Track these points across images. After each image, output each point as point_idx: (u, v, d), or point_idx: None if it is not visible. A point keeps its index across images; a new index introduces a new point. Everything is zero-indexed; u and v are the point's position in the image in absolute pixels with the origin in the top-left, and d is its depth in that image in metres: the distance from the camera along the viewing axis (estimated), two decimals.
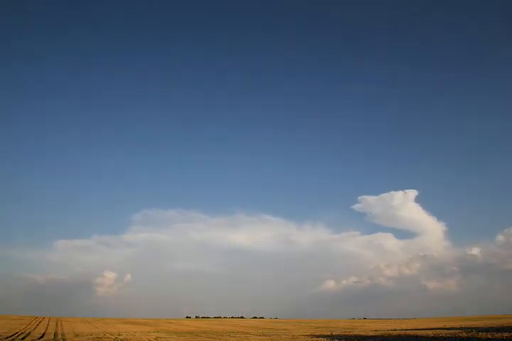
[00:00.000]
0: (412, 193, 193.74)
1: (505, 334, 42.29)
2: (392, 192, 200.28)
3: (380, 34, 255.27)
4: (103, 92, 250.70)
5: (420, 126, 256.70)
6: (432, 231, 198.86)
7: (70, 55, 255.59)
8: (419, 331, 56.37)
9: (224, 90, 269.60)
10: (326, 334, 57.95)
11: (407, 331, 57.26)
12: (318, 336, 53.05)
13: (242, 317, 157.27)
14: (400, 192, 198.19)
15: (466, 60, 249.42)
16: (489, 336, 41.78)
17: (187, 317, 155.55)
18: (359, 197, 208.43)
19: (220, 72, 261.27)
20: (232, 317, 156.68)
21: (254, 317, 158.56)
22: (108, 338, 44.45)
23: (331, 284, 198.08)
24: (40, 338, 45.25)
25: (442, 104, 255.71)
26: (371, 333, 56.72)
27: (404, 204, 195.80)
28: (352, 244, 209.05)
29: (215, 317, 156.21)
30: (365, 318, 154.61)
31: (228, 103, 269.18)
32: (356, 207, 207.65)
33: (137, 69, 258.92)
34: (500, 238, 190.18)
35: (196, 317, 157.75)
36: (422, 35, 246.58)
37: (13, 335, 46.98)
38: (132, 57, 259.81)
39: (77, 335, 48.61)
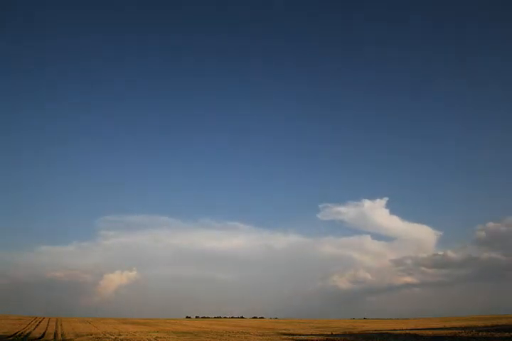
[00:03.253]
0: (383, 200, 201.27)
1: (505, 334, 42.34)
2: (364, 200, 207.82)
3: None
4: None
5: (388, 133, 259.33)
6: (406, 234, 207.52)
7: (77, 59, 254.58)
8: (419, 331, 56.38)
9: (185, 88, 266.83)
10: (326, 333, 57.97)
11: (407, 331, 57.28)
12: (318, 335, 53.08)
13: (242, 317, 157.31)
14: (374, 200, 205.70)
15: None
16: (489, 336, 41.83)
17: (187, 317, 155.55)
18: (329, 204, 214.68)
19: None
20: (232, 317, 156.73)
21: (254, 317, 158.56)
22: (108, 338, 44.41)
23: (320, 285, 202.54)
24: (40, 338, 45.25)
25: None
26: (371, 333, 56.74)
27: (377, 211, 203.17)
28: (331, 246, 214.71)
29: (215, 317, 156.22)
30: (365, 318, 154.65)
31: (200, 109, 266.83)
32: (327, 213, 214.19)
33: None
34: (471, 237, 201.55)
35: (196, 317, 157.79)
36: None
37: (13, 335, 47.00)
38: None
39: (77, 335, 48.57)
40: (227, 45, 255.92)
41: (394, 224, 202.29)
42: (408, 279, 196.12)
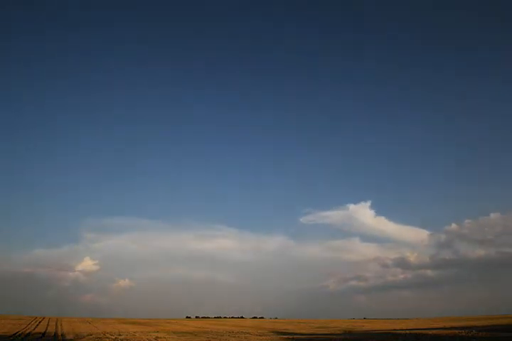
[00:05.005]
0: (368, 203, 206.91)
1: (506, 334, 42.38)
2: (349, 204, 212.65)
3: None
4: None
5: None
6: (395, 235, 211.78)
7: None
8: (419, 331, 56.39)
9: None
10: (326, 333, 58.05)
11: (407, 331, 57.29)
12: (318, 335, 53.15)
13: (242, 317, 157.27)
14: (357, 204, 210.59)
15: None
16: (489, 336, 41.85)
17: (187, 317, 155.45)
18: (313, 210, 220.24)
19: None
20: (232, 317, 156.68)
21: (254, 317, 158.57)
22: (108, 338, 44.40)
23: (311, 286, 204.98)
24: (40, 338, 45.21)
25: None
26: (371, 333, 56.78)
27: (362, 213, 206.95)
28: (321, 249, 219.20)
29: (215, 317, 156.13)
30: (365, 318, 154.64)
31: (192, 111, 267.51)
32: (313, 217, 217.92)
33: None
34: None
35: (196, 317, 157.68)
36: None
37: (13, 335, 46.97)
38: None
39: (77, 335, 48.55)
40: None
41: (381, 225, 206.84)
42: (398, 279, 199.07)
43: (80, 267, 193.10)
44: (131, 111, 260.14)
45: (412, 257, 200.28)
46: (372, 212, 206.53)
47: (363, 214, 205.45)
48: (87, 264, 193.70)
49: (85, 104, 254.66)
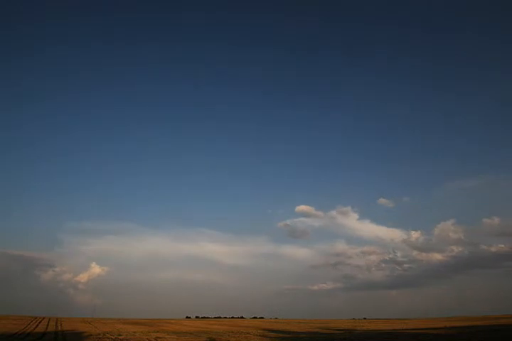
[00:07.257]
0: (348, 207, 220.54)
1: (505, 334, 42.35)
2: (331, 211, 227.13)
3: None
4: None
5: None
6: (381, 237, 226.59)
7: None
8: (420, 331, 56.37)
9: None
10: (326, 333, 57.99)
11: (408, 331, 57.28)
12: (319, 334, 53.08)
13: (242, 317, 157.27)
14: (339, 209, 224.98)
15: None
16: (489, 336, 41.82)
17: (187, 317, 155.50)
18: (299, 214, 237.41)
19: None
20: (232, 317, 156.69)
21: (254, 317, 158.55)
22: (108, 338, 44.38)
23: (301, 287, 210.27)
24: (40, 338, 45.21)
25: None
26: (372, 333, 56.74)
27: (347, 217, 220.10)
28: (310, 252, 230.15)
29: (215, 317, 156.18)
30: (365, 318, 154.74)
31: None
32: (299, 222, 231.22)
33: None
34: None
35: (196, 317, 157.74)
36: None
37: (13, 335, 46.97)
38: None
39: (77, 335, 48.56)
40: None
41: (366, 227, 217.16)
42: (385, 278, 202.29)
43: (79, 268, 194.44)
44: (125, 122, 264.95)
45: (399, 257, 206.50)
46: (355, 215, 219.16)
47: (347, 217, 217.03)
48: (86, 265, 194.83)
49: (82, 108, 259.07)
